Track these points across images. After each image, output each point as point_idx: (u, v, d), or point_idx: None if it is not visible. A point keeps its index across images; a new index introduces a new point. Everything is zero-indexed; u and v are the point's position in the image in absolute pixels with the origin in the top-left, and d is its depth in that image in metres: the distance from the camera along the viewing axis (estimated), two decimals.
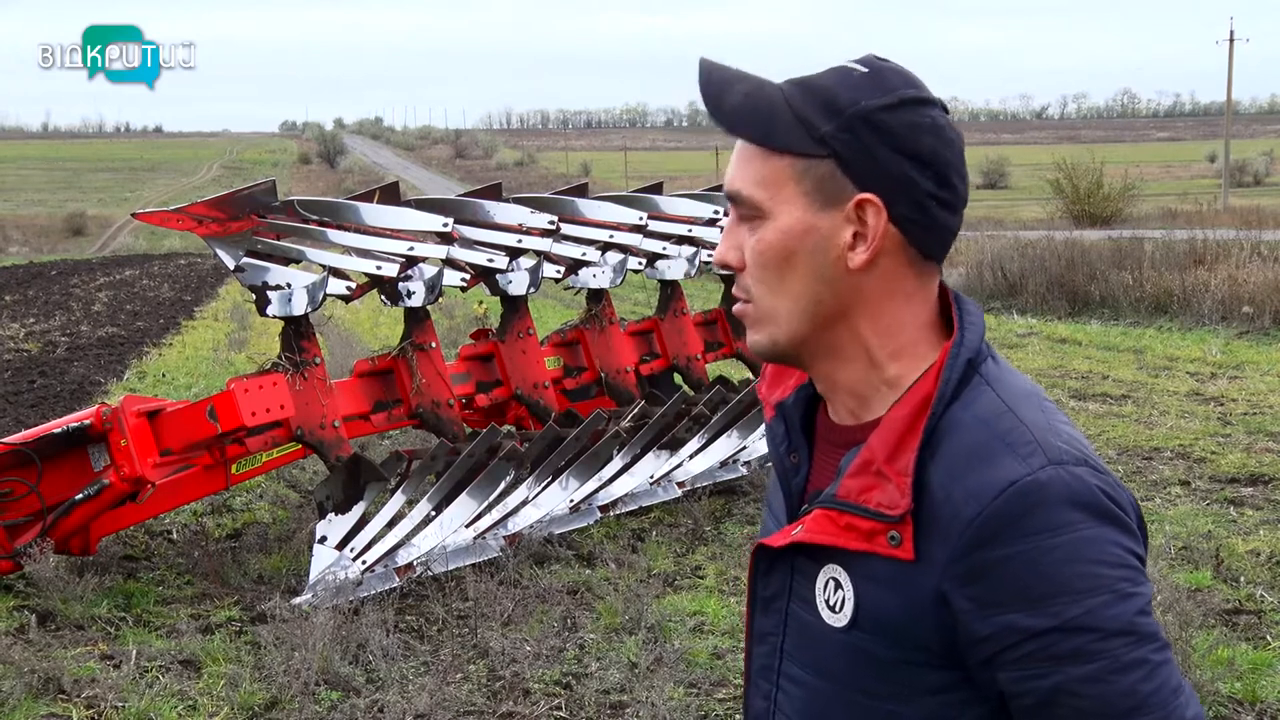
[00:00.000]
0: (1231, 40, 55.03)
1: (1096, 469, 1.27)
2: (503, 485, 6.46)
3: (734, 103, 1.33)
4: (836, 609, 1.34)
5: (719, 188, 8.83)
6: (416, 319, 6.65)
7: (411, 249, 6.32)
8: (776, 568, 1.42)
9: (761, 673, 1.47)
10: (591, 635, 5.51)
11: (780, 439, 1.46)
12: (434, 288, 6.54)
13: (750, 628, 1.49)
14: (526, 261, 7.12)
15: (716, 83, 1.35)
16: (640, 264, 7.95)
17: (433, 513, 6.23)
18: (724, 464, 7.76)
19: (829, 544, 1.33)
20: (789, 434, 1.46)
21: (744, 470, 7.89)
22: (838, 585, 1.34)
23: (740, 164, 1.35)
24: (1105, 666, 1.22)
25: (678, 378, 8.33)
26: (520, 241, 6.90)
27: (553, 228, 7.02)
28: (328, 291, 6.11)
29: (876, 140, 1.29)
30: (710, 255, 8.29)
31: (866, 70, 1.32)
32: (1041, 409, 1.31)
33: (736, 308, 1.40)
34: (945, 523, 1.26)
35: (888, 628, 1.30)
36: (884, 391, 1.35)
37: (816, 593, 1.36)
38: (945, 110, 1.33)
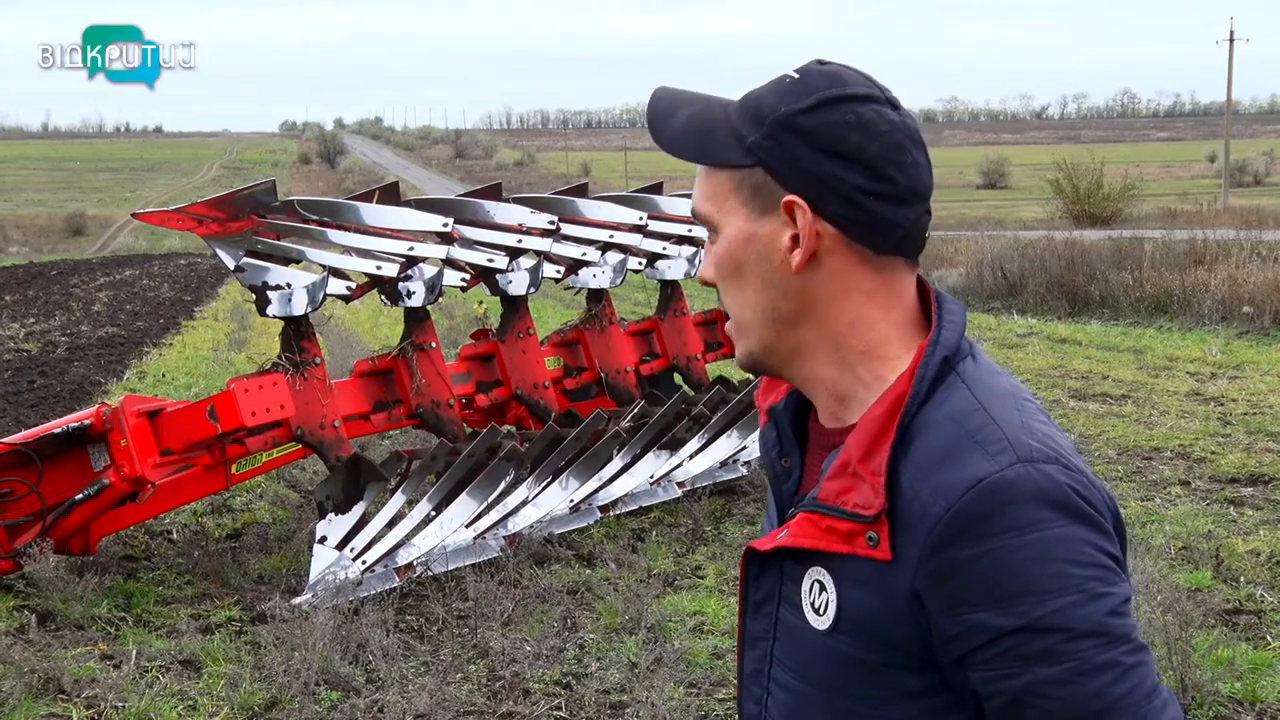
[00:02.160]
0: (1231, 40, 55.03)
1: (1068, 467, 1.26)
2: (503, 485, 6.45)
3: (675, 127, 1.38)
4: (821, 611, 1.34)
5: None
6: (416, 319, 6.65)
7: (411, 249, 6.32)
8: (766, 571, 1.42)
9: (753, 677, 1.47)
10: (591, 635, 5.51)
11: (772, 444, 1.46)
12: (434, 288, 6.54)
13: (742, 631, 1.49)
14: (526, 261, 7.12)
15: (661, 112, 1.40)
16: (640, 264, 7.95)
17: (433, 513, 6.23)
18: (724, 464, 7.75)
19: (812, 547, 1.33)
20: (780, 439, 1.46)
21: (744, 470, 7.89)
22: (822, 588, 1.34)
23: (696, 183, 1.40)
24: (1074, 668, 1.20)
25: (678, 378, 8.33)
26: (520, 241, 6.90)
27: (553, 228, 7.02)
28: (328, 291, 6.11)
29: (797, 142, 1.31)
30: None
31: (797, 77, 1.34)
32: (1018, 408, 1.30)
33: (726, 324, 1.45)
34: (915, 521, 1.26)
35: (869, 630, 1.30)
36: (861, 392, 1.35)
37: (802, 595, 1.36)
38: (889, 104, 1.33)
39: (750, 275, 1.36)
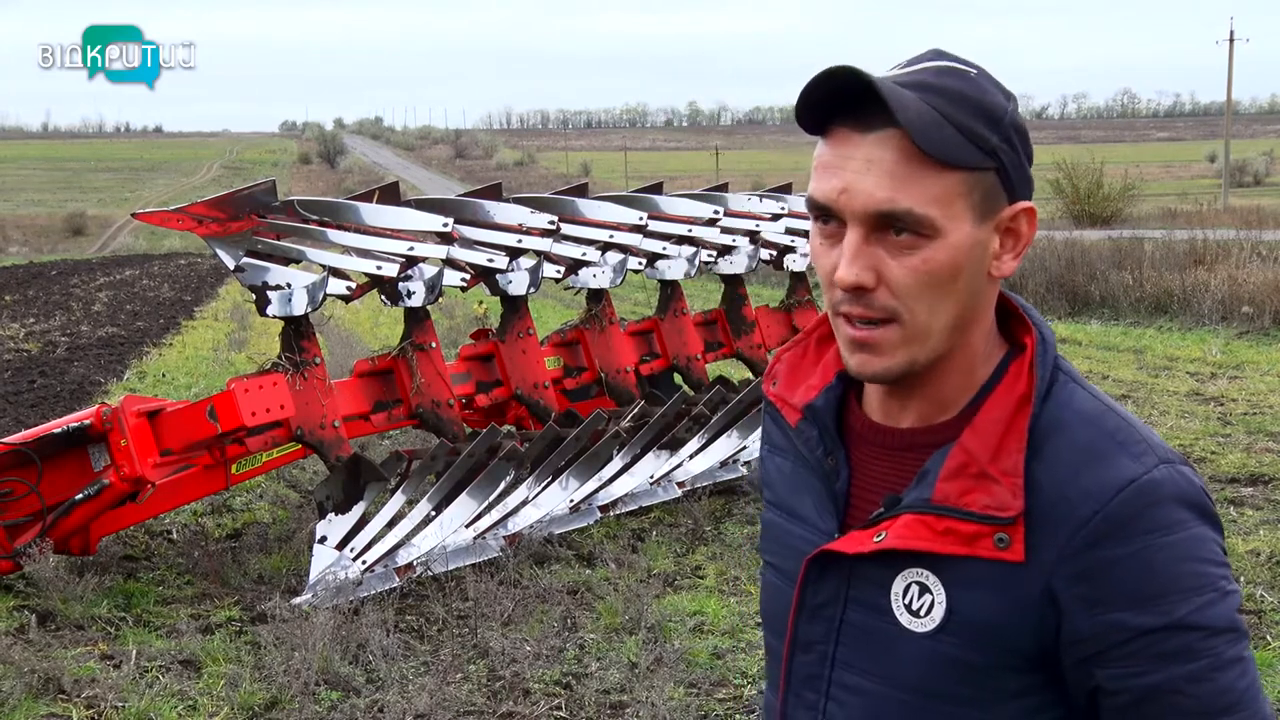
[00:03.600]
0: (1231, 40, 55.04)
1: (1193, 469, 1.29)
2: (503, 485, 6.45)
3: (916, 110, 1.24)
4: (921, 614, 1.32)
5: (720, 187, 8.85)
6: (416, 319, 6.64)
7: (411, 249, 6.32)
8: (829, 574, 1.39)
9: (807, 683, 1.43)
10: (591, 635, 5.51)
11: (815, 444, 1.42)
12: (434, 288, 6.54)
13: (793, 637, 1.44)
14: (526, 261, 7.11)
15: (889, 89, 1.24)
16: (640, 264, 7.95)
17: (433, 513, 6.23)
18: (724, 464, 7.75)
19: (926, 549, 1.30)
20: (824, 438, 1.42)
21: (744, 470, 7.89)
22: (923, 590, 1.32)
23: (898, 180, 1.24)
24: (1209, 664, 1.23)
25: (678, 378, 8.33)
26: (520, 241, 6.90)
27: (553, 228, 7.02)
28: (328, 291, 6.10)
29: (1020, 147, 1.30)
30: (710, 255, 8.29)
31: (975, 72, 1.29)
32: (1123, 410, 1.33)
33: (862, 333, 1.29)
34: (1057, 522, 1.25)
35: (982, 631, 1.29)
36: (965, 393, 1.34)
37: (893, 598, 1.33)
38: None
39: (962, 282, 1.29)
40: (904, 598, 1.33)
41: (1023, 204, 1.30)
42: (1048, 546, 1.25)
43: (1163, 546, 1.23)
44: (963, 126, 1.25)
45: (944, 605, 1.30)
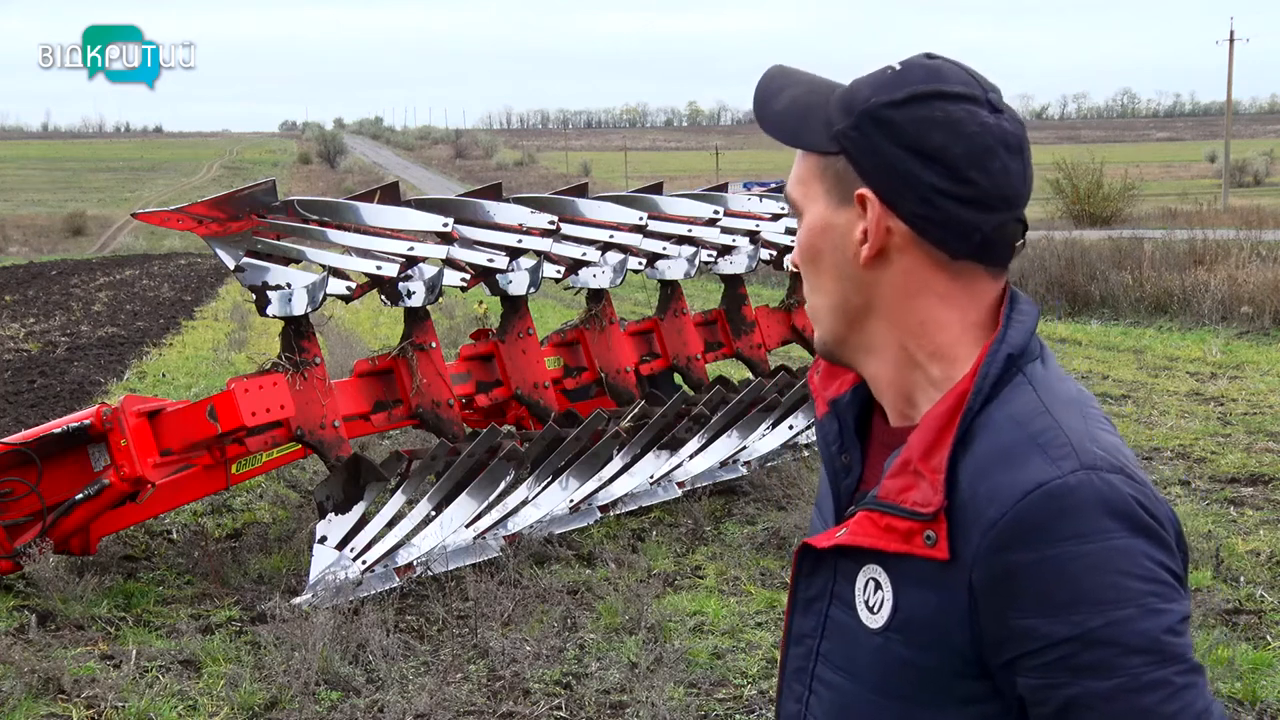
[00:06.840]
0: (1231, 40, 55.08)
1: (1132, 478, 1.23)
2: (503, 485, 6.45)
3: (777, 109, 1.37)
4: (875, 610, 1.32)
5: (720, 187, 8.86)
6: (416, 319, 6.65)
7: (411, 249, 6.32)
8: (820, 569, 1.40)
9: (796, 675, 1.45)
10: (591, 635, 5.51)
11: (833, 438, 1.44)
12: (434, 288, 6.54)
13: (789, 629, 1.47)
14: (526, 261, 7.11)
15: (769, 92, 1.39)
16: (640, 264, 7.95)
17: (433, 513, 6.23)
18: (724, 464, 7.76)
19: (870, 546, 1.31)
20: (841, 434, 1.43)
21: (744, 470, 7.89)
22: (877, 586, 1.32)
23: (793, 166, 1.39)
24: (1123, 684, 1.18)
25: (678, 378, 8.33)
26: (520, 241, 6.90)
27: (553, 228, 7.02)
28: (328, 291, 6.11)
29: (880, 135, 1.29)
30: (710, 255, 8.31)
31: (898, 68, 1.32)
32: (1084, 414, 1.28)
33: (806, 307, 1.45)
34: (970, 522, 1.23)
35: (922, 630, 1.28)
36: (931, 393, 1.33)
37: (856, 593, 1.34)
38: (987, 105, 1.29)
39: (825, 265, 1.35)
40: (864, 593, 1.34)
41: (859, 189, 1.30)
42: (967, 546, 1.24)
43: (1079, 555, 1.18)
44: (828, 114, 1.33)
45: (891, 602, 1.30)
